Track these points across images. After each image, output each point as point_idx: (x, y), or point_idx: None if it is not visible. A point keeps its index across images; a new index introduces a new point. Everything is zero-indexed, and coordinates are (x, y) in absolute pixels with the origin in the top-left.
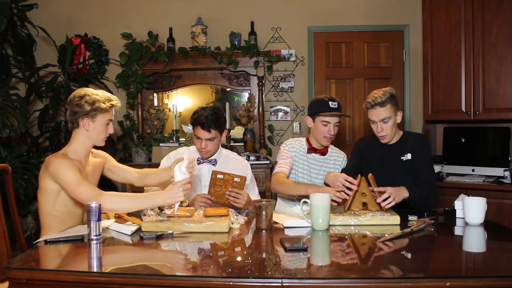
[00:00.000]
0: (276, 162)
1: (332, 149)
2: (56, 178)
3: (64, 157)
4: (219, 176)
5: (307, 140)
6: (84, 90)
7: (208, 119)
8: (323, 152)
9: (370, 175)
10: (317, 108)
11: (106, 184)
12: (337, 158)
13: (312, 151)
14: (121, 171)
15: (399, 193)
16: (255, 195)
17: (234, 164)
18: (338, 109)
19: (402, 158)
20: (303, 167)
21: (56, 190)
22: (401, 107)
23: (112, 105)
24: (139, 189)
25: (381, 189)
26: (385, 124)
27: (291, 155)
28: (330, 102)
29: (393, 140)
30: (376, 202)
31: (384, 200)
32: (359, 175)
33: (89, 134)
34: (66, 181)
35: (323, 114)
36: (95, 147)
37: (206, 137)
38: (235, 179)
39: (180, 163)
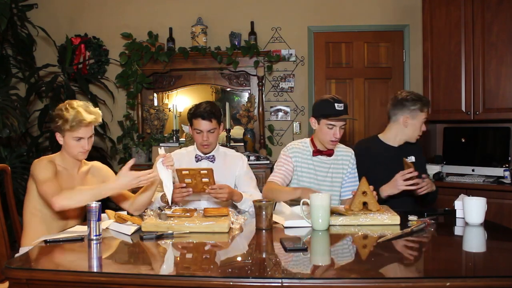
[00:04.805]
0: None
1: (339, 148)
2: (33, 176)
3: (46, 158)
4: (184, 172)
5: (312, 141)
6: (65, 104)
7: (207, 109)
8: (330, 153)
9: (406, 161)
10: (322, 110)
11: None
12: (344, 157)
13: (317, 154)
14: (117, 195)
15: (431, 185)
16: (252, 187)
17: (232, 160)
18: (344, 111)
19: (405, 159)
20: (308, 171)
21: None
22: None
23: (80, 124)
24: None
25: (420, 179)
26: None
27: (290, 160)
28: (336, 104)
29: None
30: (376, 201)
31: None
32: (364, 178)
33: (64, 147)
34: (36, 178)
35: (328, 117)
36: (101, 160)
37: (207, 128)
38: (202, 171)
39: (160, 159)
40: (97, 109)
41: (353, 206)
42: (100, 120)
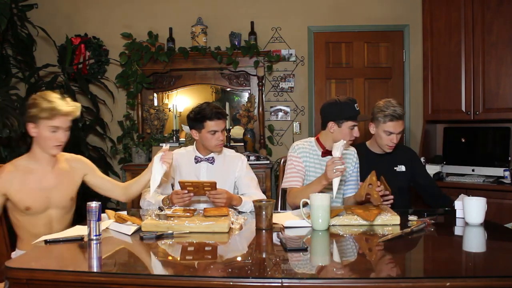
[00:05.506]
0: (279, 163)
1: None
2: None
3: (5, 170)
4: (187, 184)
5: (319, 142)
6: (38, 94)
7: (219, 109)
8: None
9: (382, 177)
10: (345, 113)
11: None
12: (348, 155)
13: (327, 154)
14: (106, 185)
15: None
16: (253, 188)
17: (231, 161)
18: (359, 110)
19: (395, 168)
20: (315, 171)
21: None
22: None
23: (58, 112)
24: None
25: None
26: (398, 136)
27: (300, 161)
28: (355, 105)
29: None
30: (379, 196)
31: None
32: (373, 171)
33: (37, 140)
34: None
35: (353, 119)
36: (73, 151)
37: (222, 127)
38: (205, 184)
39: (160, 153)
40: (76, 103)
41: (357, 197)
42: (78, 113)
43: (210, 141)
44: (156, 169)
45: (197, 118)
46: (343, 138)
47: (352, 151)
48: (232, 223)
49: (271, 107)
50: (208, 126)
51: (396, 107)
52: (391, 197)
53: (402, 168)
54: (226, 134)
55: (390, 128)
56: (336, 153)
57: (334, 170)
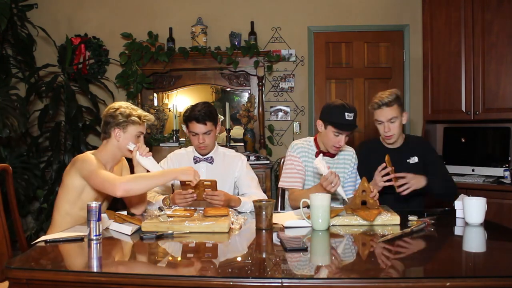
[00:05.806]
0: (279, 163)
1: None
2: (81, 169)
3: (93, 156)
4: (188, 182)
5: (316, 141)
6: (118, 103)
7: (201, 112)
8: (332, 155)
9: (387, 157)
10: (331, 117)
11: None
12: (347, 156)
13: (319, 155)
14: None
15: (418, 181)
16: (253, 188)
17: (231, 161)
18: (353, 120)
19: (408, 161)
20: (312, 171)
21: (80, 188)
22: None
23: (146, 120)
24: None
25: (400, 174)
26: (392, 124)
27: (299, 160)
28: (346, 114)
29: (398, 143)
30: (374, 200)
31: (401, 186)
32: (364, 178)
33: (119, 144)
34: (89, 169)
35: (336, 126)
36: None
37: (202, 131)
38: (206, 182)
39: (137, 153)
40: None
41: (353, 205)
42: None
43: (192, 141)
44: (148, 164)
45: (183, 117)
46: (327, 141)
47: (351, 151)
48: (232, 223)
49: (271, 107)
50: (189, 127)
51: (384, 95)
52: (404, 181)
53: (415, 159)
54: (226, 134)
55: (377, 117)
56: (324, 170)
57: (333, 184)
